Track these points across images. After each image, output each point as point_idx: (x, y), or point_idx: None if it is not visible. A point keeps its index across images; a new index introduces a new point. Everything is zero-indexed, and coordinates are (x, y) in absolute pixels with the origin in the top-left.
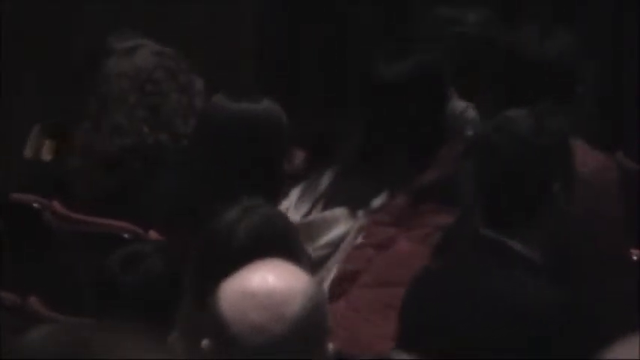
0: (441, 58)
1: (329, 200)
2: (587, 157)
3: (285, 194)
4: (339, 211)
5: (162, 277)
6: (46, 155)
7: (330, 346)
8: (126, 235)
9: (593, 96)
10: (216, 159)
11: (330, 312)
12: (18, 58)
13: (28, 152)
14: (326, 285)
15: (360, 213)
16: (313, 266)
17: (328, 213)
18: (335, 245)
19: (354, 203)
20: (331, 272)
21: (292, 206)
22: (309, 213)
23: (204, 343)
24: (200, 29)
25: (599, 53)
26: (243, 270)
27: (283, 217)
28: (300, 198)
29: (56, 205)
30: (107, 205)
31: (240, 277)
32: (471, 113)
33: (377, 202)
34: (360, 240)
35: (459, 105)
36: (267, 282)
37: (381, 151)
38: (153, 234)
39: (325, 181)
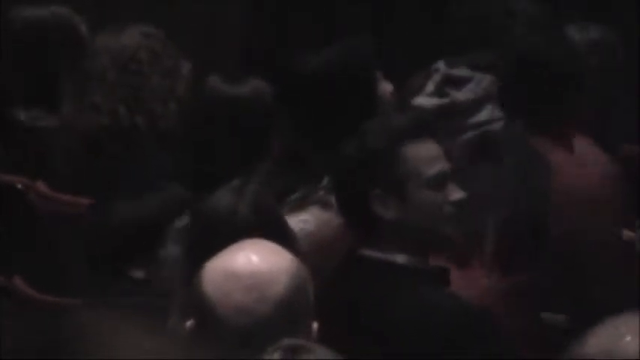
0: (366, 42)
1: None
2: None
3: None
4: None
5: None
6: None
7: (315, 326)
8: None
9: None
10: (209, 141)
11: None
12: None
13: None
14: None
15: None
16: None
17: None
18: None
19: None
20: None
21: None
22: None
23: (189, 323)
24: (195, 28)
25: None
26: (226, 250)
27: (270, 196)
28: None
29: (40, 185)
30: (91, 186)
31: (223, 258)
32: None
33: (296, 196)
34: None
35: (387, 87)
36: (251, 262)
37: (303, 145)
38: None
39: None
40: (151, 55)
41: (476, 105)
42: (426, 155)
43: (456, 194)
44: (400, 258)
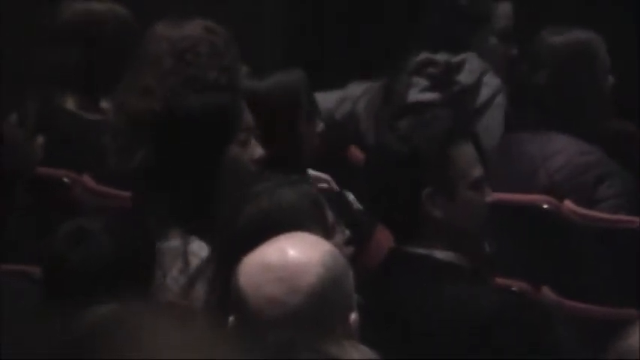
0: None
1: None
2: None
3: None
4: None
5: (107, 256)
6: None
7: (354, 317)
8: None
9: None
10: None
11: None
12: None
13: None
14: None
15: None
16: None
17: None
18: None
19: None
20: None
21: None
22: None
23: (230, 319)
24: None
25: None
26: (264, 244)
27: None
28: None
29: (87, 179)
30: (139, 175)
31: (259, 251)
32: None
33: None
34: None
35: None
36: (284, 254)
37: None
38: None
39: None
40: (212, 50)
41: (478, 86)
42: (470, 157)
43: (491, 195)
44: (442, 254)
